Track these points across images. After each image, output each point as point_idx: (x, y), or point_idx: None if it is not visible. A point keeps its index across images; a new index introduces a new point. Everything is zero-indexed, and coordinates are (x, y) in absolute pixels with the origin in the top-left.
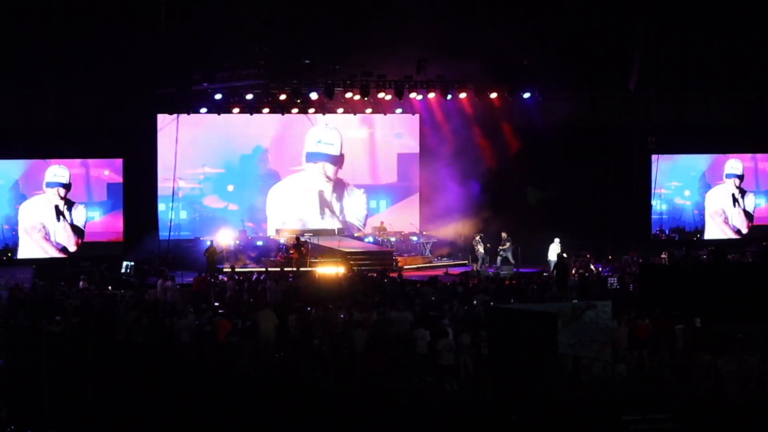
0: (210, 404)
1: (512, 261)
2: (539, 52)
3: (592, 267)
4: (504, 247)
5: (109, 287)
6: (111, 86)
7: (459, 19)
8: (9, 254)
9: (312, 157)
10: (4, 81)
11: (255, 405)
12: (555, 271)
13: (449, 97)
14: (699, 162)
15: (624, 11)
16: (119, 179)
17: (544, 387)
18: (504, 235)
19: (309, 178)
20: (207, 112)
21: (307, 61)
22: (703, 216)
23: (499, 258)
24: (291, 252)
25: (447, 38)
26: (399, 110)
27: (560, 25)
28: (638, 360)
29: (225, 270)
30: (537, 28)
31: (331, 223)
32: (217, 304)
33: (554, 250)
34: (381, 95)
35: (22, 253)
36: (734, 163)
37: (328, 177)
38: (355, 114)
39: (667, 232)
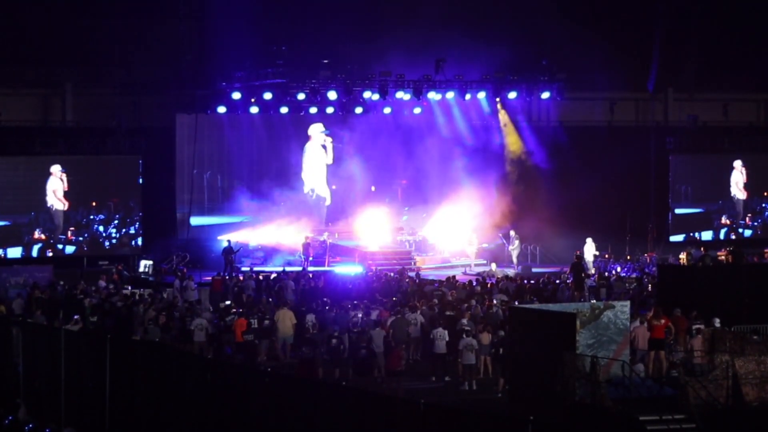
0: (226, 402)
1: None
2: (558, 53)
3: (619, 269)
4: (512, 246)
5: (128, 286)
6: (130, 85)
7: (478, 19)
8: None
9: None
10: (23, 79)
11: (271, 403)
12: (572, 273)
13: (467, 96)
14: None
15: (643, 12)
16: None
17: (561, 387)
18: (512, 233)
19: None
20: (225, 112)
21: (325, 61)
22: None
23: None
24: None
25: (466, 38)
26: (417, 109)
27: (579, 26)
28: (655, 360)
29: (243, 269)
30: (555, 30)
31: None
32: (228, 302)
33: (590, 251)
34: (399, 95)
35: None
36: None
37: None
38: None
39: None
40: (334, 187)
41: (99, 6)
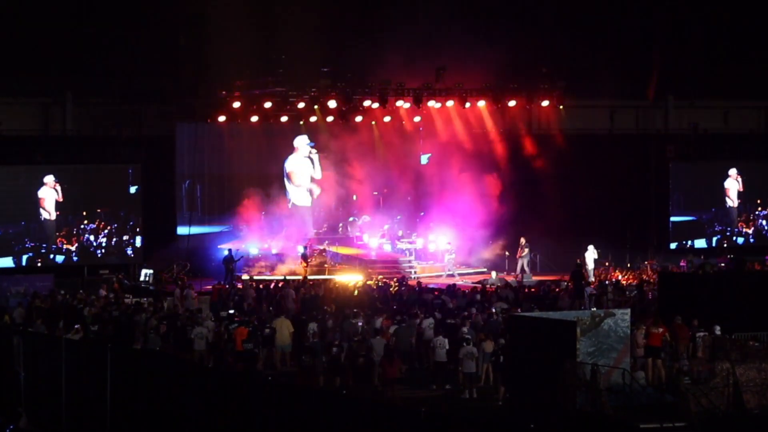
0: (227, 411)
1: (527, 270)
2: (558, 61)
3: (619, 277)
4: (522, 255)
5: (128, 296)
6: (130, 95)
7: (477, 27)
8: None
9: None
10: (24, 89)
11: (272, 411)
12: (572, 280)
13: (467, 105)
14: None
15: (643, 20)
16: None
17: (562, 395)
18: (522, 241)
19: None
20: (225, 121)
21: (325, 69)
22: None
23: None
24: (300, 262)
25: (466, 46)
26: (417, 118)
27: (579, 34)
28: (653, 368)
29: (243, 278)
30: (555, 38)
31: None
32: (232, 312)
33: (591, 257)
34: (399, 103)
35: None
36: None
37: None
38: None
39: None
40: (315, 196)
41: (99, 16)
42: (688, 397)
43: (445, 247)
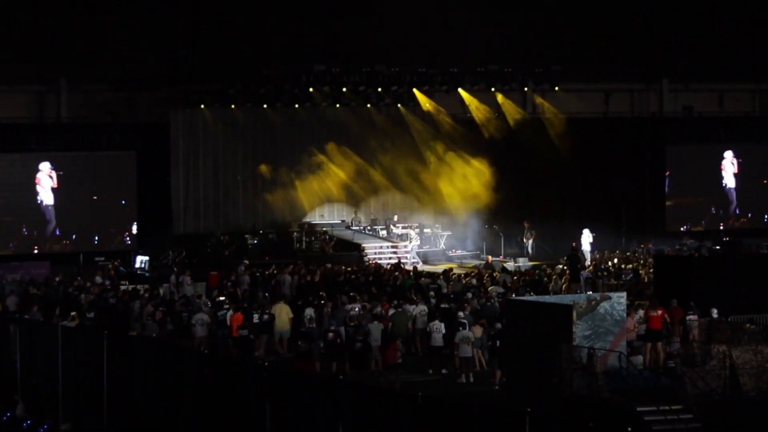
0: (224, 396)
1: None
2: (552, 45)
3: (616, 261)
4: (525, 237)
5: (125, 282)
6: (125, 81)
7: (472, 11)
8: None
9: None
10: (18, 76)
11: (269, 397)
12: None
13: (462, 89)
14: None
15: (637, 3)
16: None
17: (559, 378)
18: (527, 225)
19: None
20: (220, 107)
21: (318, 56)
22: None
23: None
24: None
25: (460, 31)
26: (412, 103)
27: (574, 17)
28: (652, 351)
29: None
30: (551, 21)
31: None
32: (223, 297)
33: (586, 241)
34: (394, 88)
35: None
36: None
37: None
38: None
39: None
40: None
41: (93, 2)
42: (685, 380)
43: (411, 235)
